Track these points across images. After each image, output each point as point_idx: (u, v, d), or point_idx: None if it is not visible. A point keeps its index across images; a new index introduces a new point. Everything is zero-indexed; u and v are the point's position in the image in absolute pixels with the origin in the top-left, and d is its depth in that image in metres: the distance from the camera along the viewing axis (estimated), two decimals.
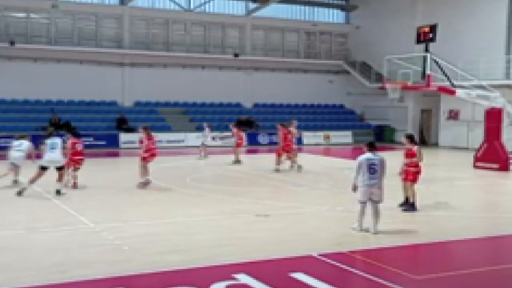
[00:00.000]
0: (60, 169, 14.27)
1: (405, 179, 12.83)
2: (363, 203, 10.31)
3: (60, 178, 14.29)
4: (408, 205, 12.71)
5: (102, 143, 28.93)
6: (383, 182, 10.33)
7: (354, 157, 19.27)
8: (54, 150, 14.14)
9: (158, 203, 13.50)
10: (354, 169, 10.35)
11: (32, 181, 14.11)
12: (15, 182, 15.37)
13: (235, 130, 23.23)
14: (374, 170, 10.14)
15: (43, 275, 7.65)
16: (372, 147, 10.43)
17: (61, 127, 28.84)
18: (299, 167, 19.65)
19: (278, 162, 19.59)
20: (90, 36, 33.03)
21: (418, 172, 12.82)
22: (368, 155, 10.32)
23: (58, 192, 14.04)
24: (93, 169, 20.48)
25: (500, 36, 29.41)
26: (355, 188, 10.37)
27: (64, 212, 11.98)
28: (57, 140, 14.38)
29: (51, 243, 9.40)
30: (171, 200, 13.85)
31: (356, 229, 10.37)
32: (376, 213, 10.31)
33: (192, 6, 35.92)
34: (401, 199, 12.91)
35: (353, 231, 10.35)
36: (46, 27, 32.03)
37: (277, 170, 19.32)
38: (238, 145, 22.74)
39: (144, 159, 15.72)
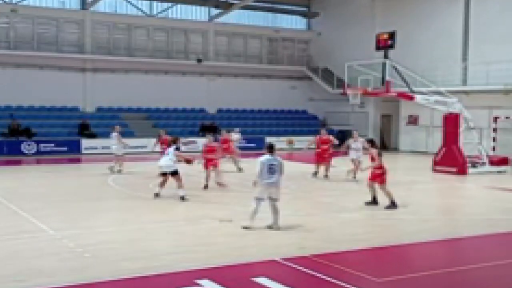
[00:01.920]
0: (173, 174, 14.48)
1: (371, 179, 13.72)
2: (260, 200, 10.93)
3: (178, 184, 14.49)
4: (390, 204, 13.54)
5: (64, 149, 28.52)
6: (281, 182, 11.02)
7: (317, 161, 19.58)
8: (165, 156, 14.70)
9: (120, 210, 13.38)
10: (257, 168, 10.89)
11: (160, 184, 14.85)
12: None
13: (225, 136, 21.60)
14: (273, 170, 10.83)
15: (0, 284, 7.50)
16: (271, 150, 11.05)
17: (21, 133, 28.32)
18: (326, 176, 19.50)
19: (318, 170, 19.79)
20: (51, 41, 32.51)
21: (383, 174, 13.57)
22: (267, 156, 10.95)
23: (182, 198, 14.28)
24: (54, 176, 20.18)
25: (456, 43, 30.21)
26: (255, 184, 11.02)
27: (24, 220, 11.77)
28: (171, 148, 14.79)
29: (9, 251, 9.22)
30: (134, 207, 13.72)
31: (249, 227, 10.87)
32: (275, 210, 11.00)
33: (154, 12, 35.75)
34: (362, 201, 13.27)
35: (247, 230, 10.80)
36: (5, 32, 31.39)
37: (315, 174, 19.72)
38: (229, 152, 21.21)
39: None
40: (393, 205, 13.50)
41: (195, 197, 15.10)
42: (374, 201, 13.79)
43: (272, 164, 10.84)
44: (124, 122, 32.55)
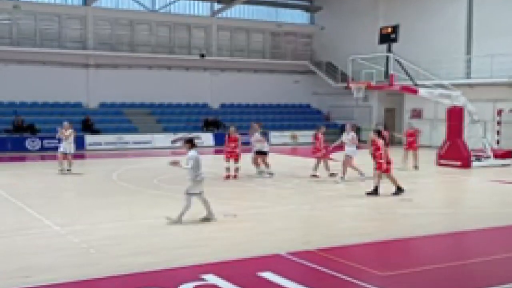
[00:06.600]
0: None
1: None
2: (197, 195, 11.08)
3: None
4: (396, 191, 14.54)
5: None
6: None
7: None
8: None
9: (125, 205, 13.40)
10: (189, 164, 10.89)
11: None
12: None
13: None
14: (200, 165, 11.05)
15: (5, 280, 7.51)
16: (192, 145, 11.17)
17: (24, 130, 28.38)
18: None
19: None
20: (53, 37, 32.53)
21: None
22: (196, 152, 11.06)
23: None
24: (58, 172, 20.20)
25: (460, 36, 30.12)
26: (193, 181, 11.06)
27: (29, 216, 11.80)
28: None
29: (15, 248, 9.25)
30: (139, 202, 13.76)
31: (176, 221, 10.94)
32: (205, 201, 11.20)
33: (157, 7, 35.71)
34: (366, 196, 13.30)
35: (177, 224, 10.90)
36: (7, 28, 31.42)
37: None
38: (318, 153, 18.82)
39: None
40: (399, 190, 14.39)
41: None
42: (375, 192, 14.30)
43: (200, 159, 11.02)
44: (128, 118, 32.63)
